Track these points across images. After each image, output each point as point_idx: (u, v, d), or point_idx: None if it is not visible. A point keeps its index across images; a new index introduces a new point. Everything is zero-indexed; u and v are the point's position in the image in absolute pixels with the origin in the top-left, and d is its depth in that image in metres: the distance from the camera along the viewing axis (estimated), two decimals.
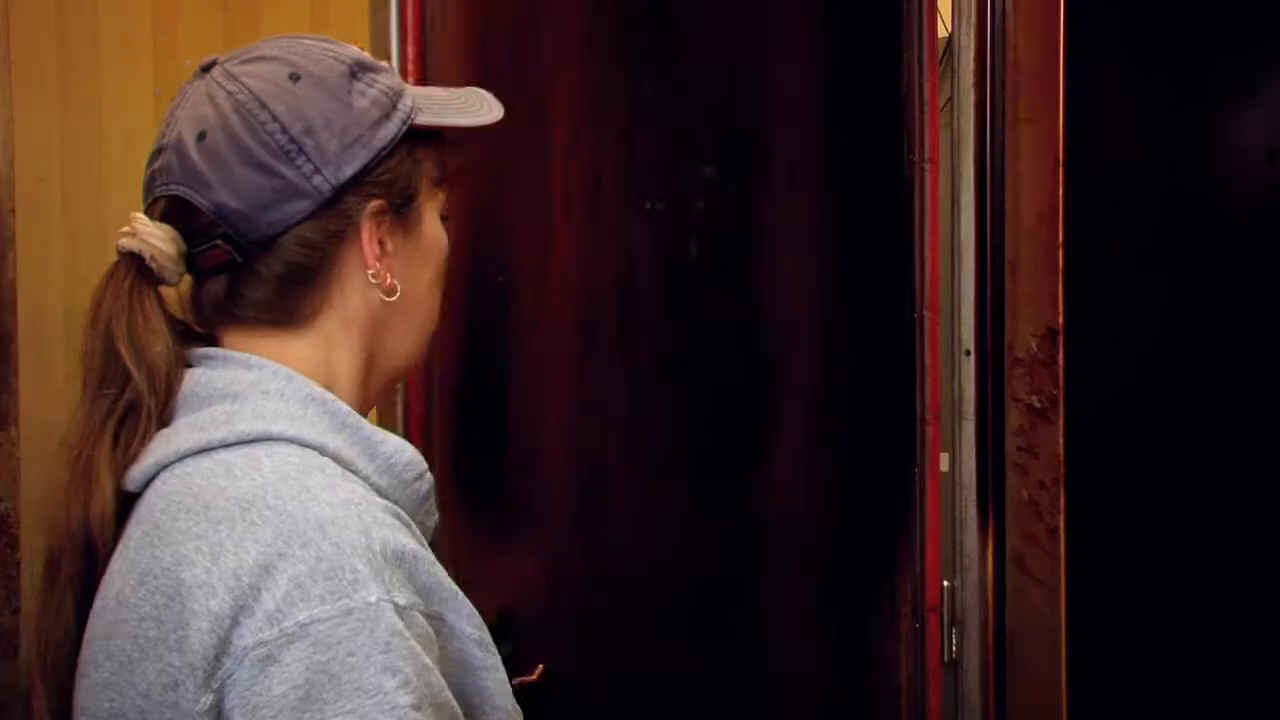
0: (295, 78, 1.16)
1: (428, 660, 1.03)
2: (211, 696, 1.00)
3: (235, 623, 1.00)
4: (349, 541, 1.02)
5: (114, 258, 1.18)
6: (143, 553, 1.08)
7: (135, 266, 1.15)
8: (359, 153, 1.16)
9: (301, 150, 1.14)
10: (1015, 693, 2.03)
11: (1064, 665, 1.54)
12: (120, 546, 1.10)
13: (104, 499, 1.11)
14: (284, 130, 1.14)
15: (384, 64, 1.24)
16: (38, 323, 2.54)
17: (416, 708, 1.00)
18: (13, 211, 2.54)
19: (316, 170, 1.14)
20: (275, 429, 1.10)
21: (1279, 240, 1.66)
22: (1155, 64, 1.59)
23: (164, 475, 1.11)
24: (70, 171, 2.61)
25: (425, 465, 1.20)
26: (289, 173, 1.14)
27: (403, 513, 1.13)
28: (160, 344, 1.14)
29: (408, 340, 1.27)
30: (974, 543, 2.25)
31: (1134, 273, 1.60)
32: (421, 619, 1.05)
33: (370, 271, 1.19)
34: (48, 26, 2.69)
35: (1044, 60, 1.69)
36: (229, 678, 0.99)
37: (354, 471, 1.13)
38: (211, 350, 1.18)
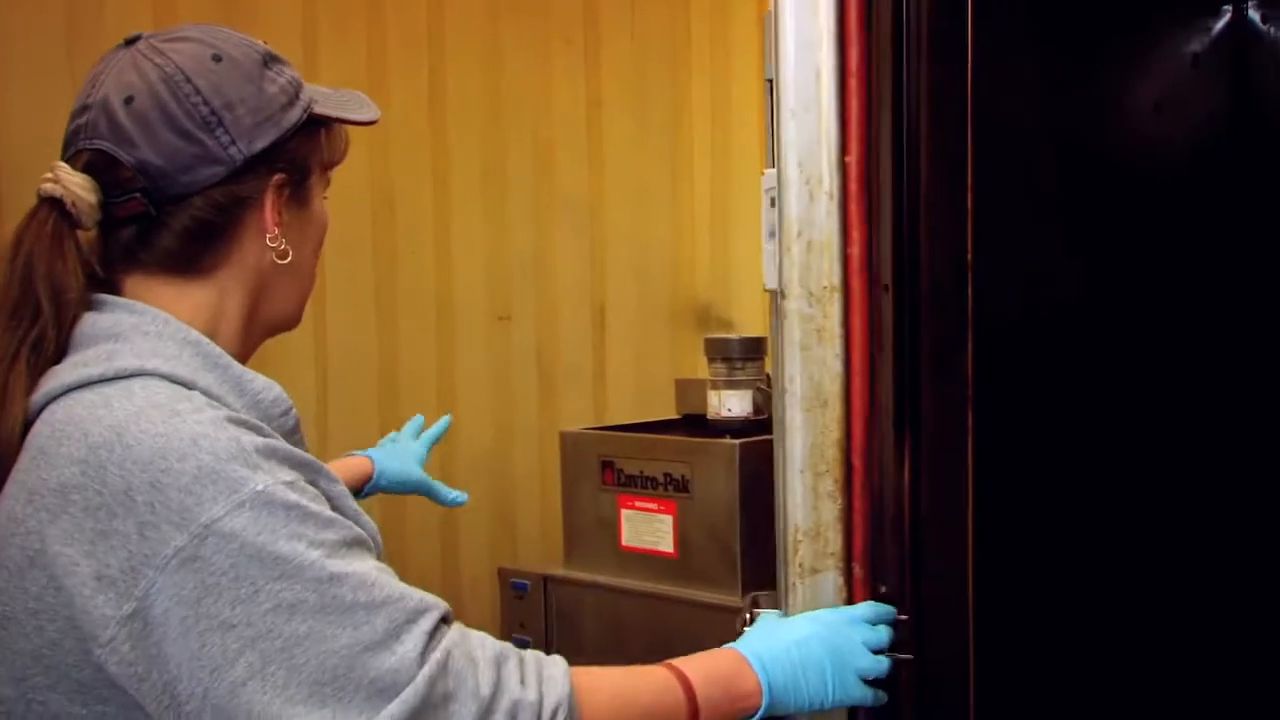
0: (217, 59, 1.33)
1: (329, 514, 1.22)
2: (134, 603, 1.13)
3: (142, 536, 1.14)
4: (223, 449, 1.17)
5: None
6: (30, 474, 1.21)
7: (56, 211, 1.30)
8: (269, 130, 1.34)
9: (221, 122, 1.31)
10: None
11: None
12: (12, 470, 1.24)
13: (14, 419, 1.26)
14: (206, 103, 1.31)
15: (286, 59, 1.42)
16: None
17: (330, 555, 1.17)
18: None
19: (233, 141, 1.32)
20: (149, 365, 1.25)
21: (1167, 181, 1.73)
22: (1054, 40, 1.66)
23: (51, 407, 1.25)
24: None
25: (291, 403, 1.36)
26: (209, 141, 1.31)
27: (266, 428, 1.27)
28: (74, 286, 1.29)
29: (289, 299, 1.46)
30: None
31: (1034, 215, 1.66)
32: (309, 486, 1.23)
33: (269, 235, 1.37)
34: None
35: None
36: (153, 586, 1.13)
37: (224, 406, 1.26)
38: (104, 296, 1.32)
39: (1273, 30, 1.71)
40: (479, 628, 3.23)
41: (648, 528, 2.89)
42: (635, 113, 3.95)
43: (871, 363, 1.52)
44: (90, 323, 1.30)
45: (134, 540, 1.14)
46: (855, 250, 1.52)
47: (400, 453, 2.32)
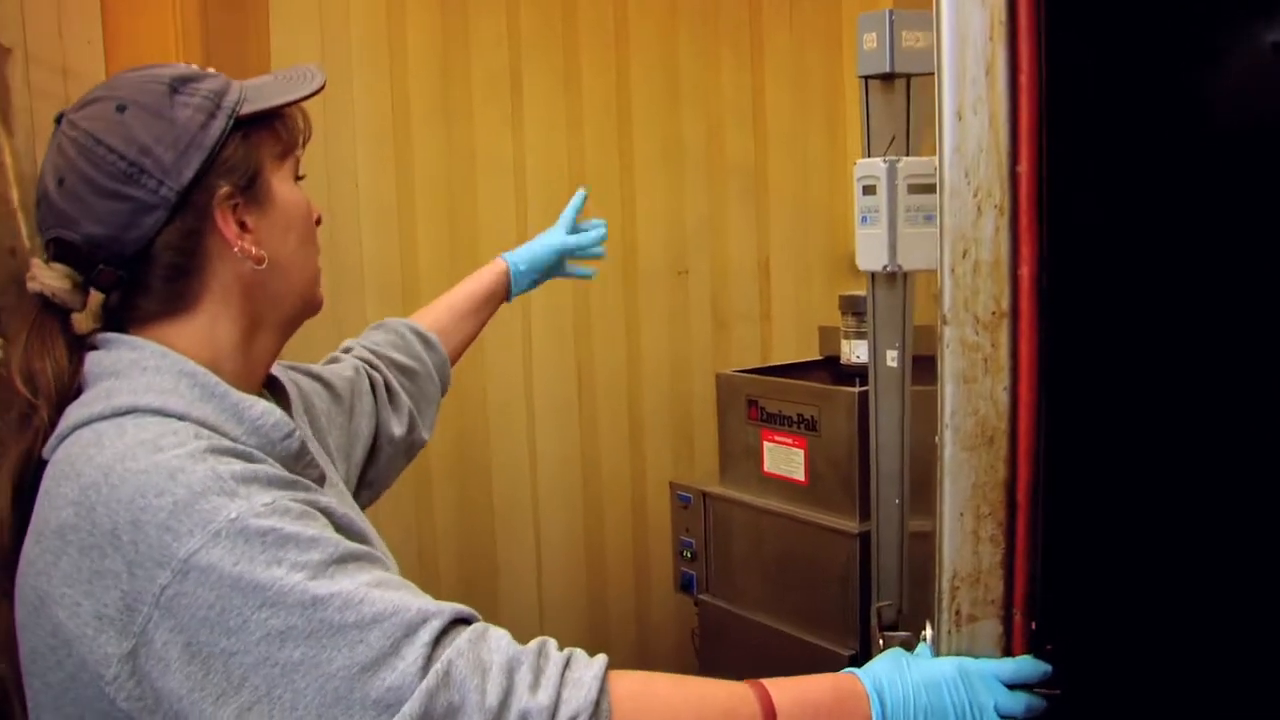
0: (122, 108, 1.04)
1: (312, 532, 0.92)
2: (132, 641, 0.89)
3: (132, 575, 0.89)
4: (198, 481, 0.91)
5: None
6: (38, 516, 0.97)
7: (41, 304, 1.05)
8: (194, 155, 1.04)
9: (143, 170, 1.02)
10: None
11: None
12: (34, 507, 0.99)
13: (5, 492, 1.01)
14: (122, 157, 1.02)
15: (208, 72, 1.10)
16: None
17: (314, 577, 0.90)
18: None
19: (160, 183, 1.03)
20: (142, 402, 0.99)
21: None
22: None
23: (62, 445, 0.99)
24: None
25: (292, 426, 1.06)
26: (137, 192, 1.02)
27: (255, 452, 1.00)
28: (47, 361, 1.03)
29: (291, 293, 1.13)
30: None
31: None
32: (293, 504, 0.94)
33: (236, 249, 1.07)
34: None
35: None
36: (149, 622, 0.88)
37: (224, 435, 1.00)
38: (108, 335, 1.06)
39: None
40: (656, 530, 2.85)
41: (784, 458, 2.65)
42: (794, 91, 3.52)
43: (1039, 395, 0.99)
44: (94, 361, 1.04)
45: (125, 579, 0.89)
46: (1025, 270, 0.99)
47: (531, 244, 1.84)
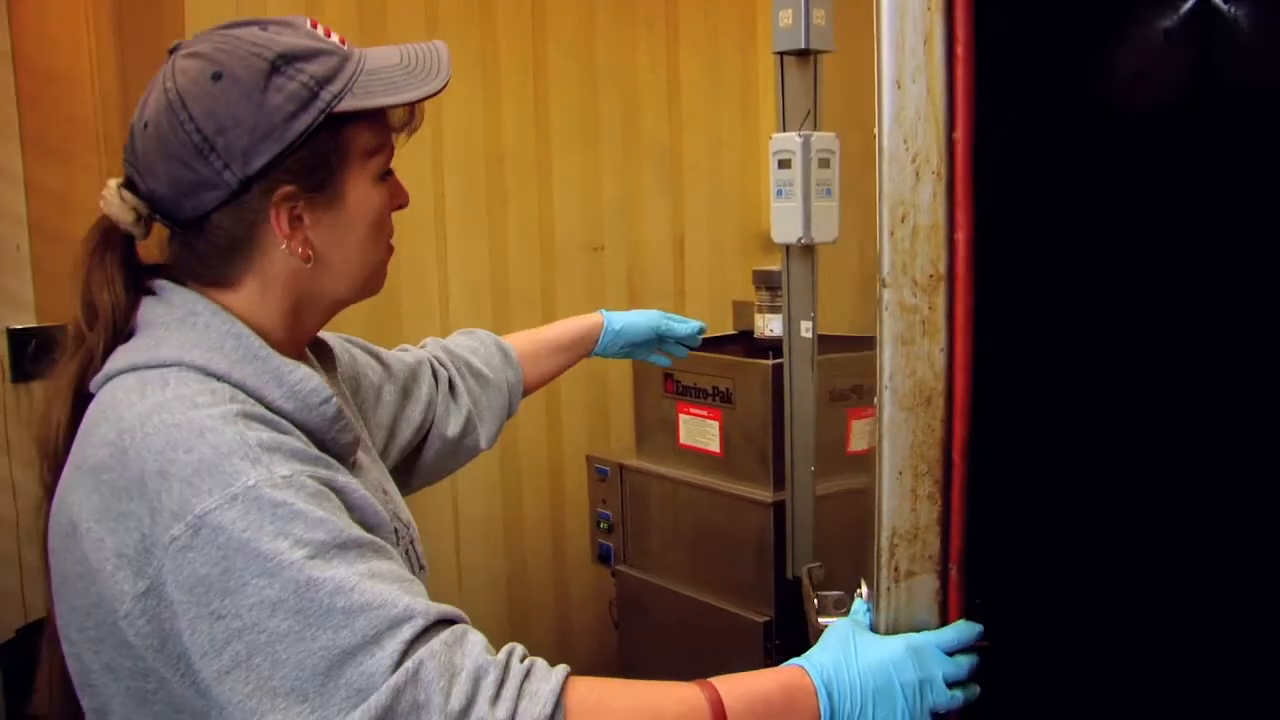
0: (217, 77, 1.00)
1: (321, 513, 0.93)
2: (147, 582, 0.92)
3: (153, 520, 0.91)
4: (225, 443, 0.93)
5: None
6: (77, 451, 1.00)
7: (104, 228, 1.05)
8: (269, 146, 1.01)
9: (213, 148, 1.00)
10: None
11: None
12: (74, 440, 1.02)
13: (59, 414, 1.04)
14: (199, 130, 1.00)
15: (325, 47, 1.04)
16: None
17: (313, 557, 0.90)
18: None
19: (226, 166, 1.00)
20: (187, 358, 1.00)
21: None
22: None
23: (107, 384, 1.01)
24: None
25: (330, 392, 1.06)
26: (202, 168, 1.00)
27: (285, 423, 1.01)
28: (104, 292, 1.04)
29: (337, 287, 1.11)
30: None
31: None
32: (310, 480, 0.95)
33: (284, 246, 1.05)
34: None
35: None
36: (161, 568, 0.91)
37: (262, 398, 1.01)
38: (165, 284, 1.06)
39: (1232, 9, 1.18)
40: (574, 503, 2.85)
41: (699, 430, 2.66)
42: (709, 71, 3.53)
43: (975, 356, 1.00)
44: (149, 308, 1.05)
45: (146, 523, 0.92)
46: (961, 235, 1.00)
47: (633, 312, 1.86)
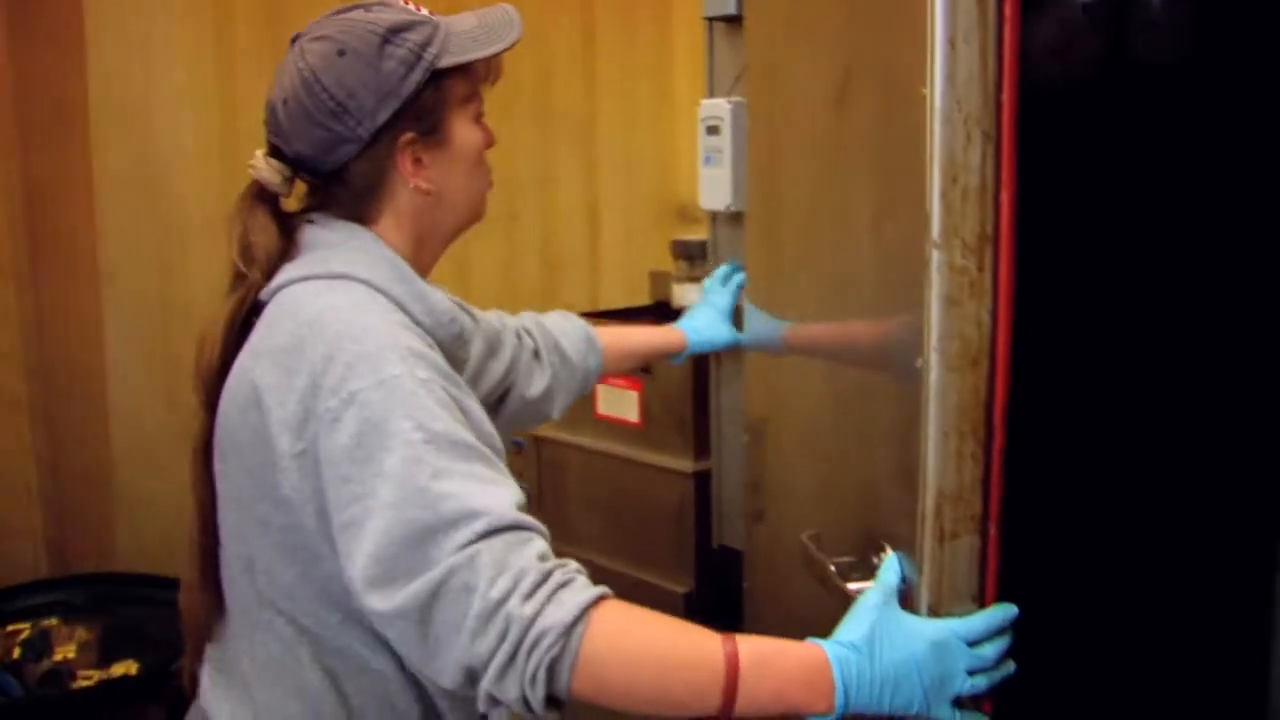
0: (341, 53, 1.19)
1: (439, 411, 1.08)
2: (303, 444, 1.09)
3: (314, 394, 1.08)
4: (383, 341, 1.10)
5: None
6: (259, 339, 1.17)
7: (256, 189, 1.24)
8: (390, 102, 1.20)
9: (346, 110, 1.19)
10: None
11: None
12: (251, 335, 1.19)
13: (213, 349, 1.21)
14: (333, 97, 1.19)
15: (420, 17, 1.24)
16: None
17: (428, 441, 1.05)
18: None
19: (359, 123, 1.20)
20: (353, 272, 1.18)
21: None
22: None
23: (281, 291, 1.19)
24: None
25: (455, 313, 1.26)
26: (339, 127, 1.19)
27: (430, 339, 1.18)
28: (261, 236, 1.22)
29: (453, 217, 1.30)
30: None
31: None
32: (441, 390, 1.10)
33: (411, 184, 1.24)
34: None
35: None
36: (314, 434, 1.08)
37: (407, 310, 1.19)
38: (324, 216, 1.25)
39: None
40: None
41: (617, 400, 2.62)
42: (624, 38, 3.49)
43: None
44: (312, 233, 1.24)
45: (308, 397, 1.09)
46: (1005, 195, 1.00)
47: (708, 319, 2.00)
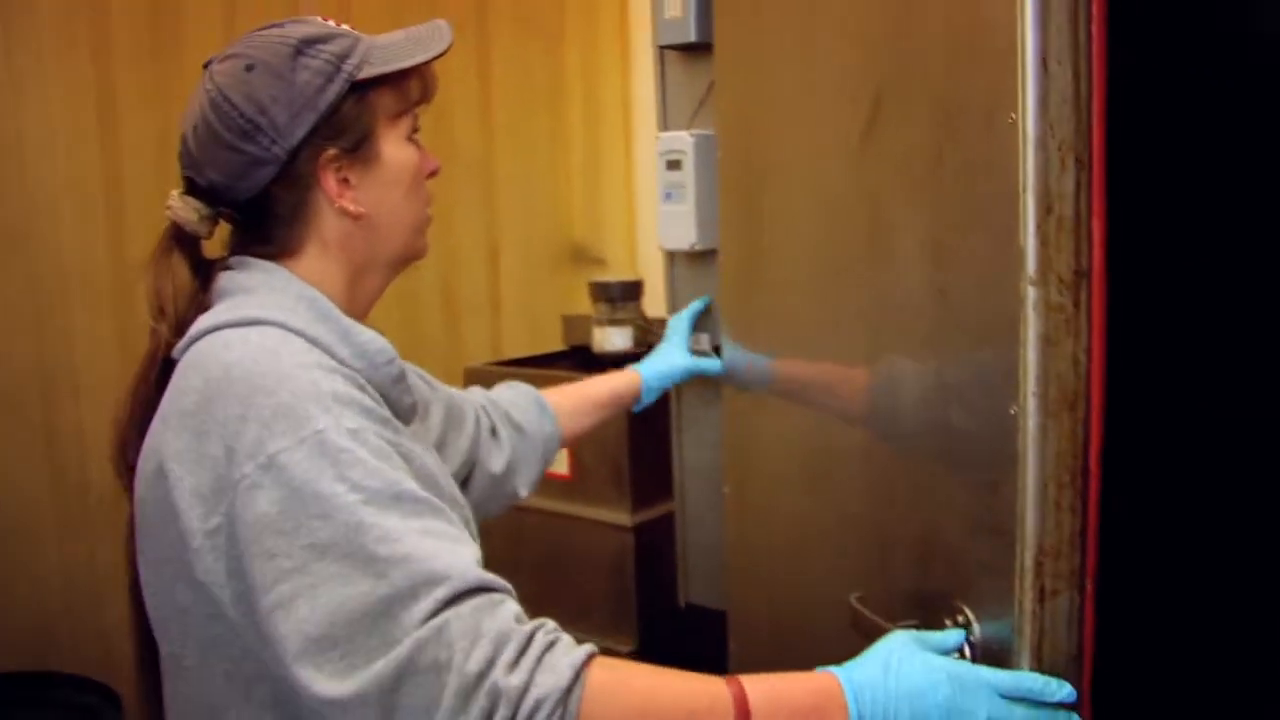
0: (250, 68, 1.11)
1: (376, 463, 0.96)
2: (218, 519, 0.97)
3: (228, 460, 0.96)
4: (303, 390, 0.98)
5: None
6: (166, 403, 1.05)
7: (173, 231, 1.14)
8: (307, 116, 1.10)
9: (258, 128, 1.09)
10: None
11: None
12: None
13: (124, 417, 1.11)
14: (242, 115, 1.09)
15: (340, 31, 1.16)
16: None
17: (367, 502, 0.93)
18: None
19: (274, 141, 1.10)
20: (267, 316, 1.06)
21: None
22: None
23: (193, 346, 1.07)
24: None
25: (394, 353, 1.13)
26: (252, 148, 1.10)
27: (359, 379, 1.06)
28: (171, 284, 1.12)
29: (391, 243, 1.19)
30: None
31: None
32: (375, 438, 0.99)
33: (337, 205, 1.13)
34: None
35: None
36: (231, 504, 0.95)
37: (333, 355, 1.07)
38: (243, 258, 1.14)
39: None
40: None
41: None
42: (520, 80, 3.38)
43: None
44: (228, 278, 1.12)
45: (222, 464, 0.96)
46: (1097, 225, 0.93)
47: (661, 354, 1.88)
